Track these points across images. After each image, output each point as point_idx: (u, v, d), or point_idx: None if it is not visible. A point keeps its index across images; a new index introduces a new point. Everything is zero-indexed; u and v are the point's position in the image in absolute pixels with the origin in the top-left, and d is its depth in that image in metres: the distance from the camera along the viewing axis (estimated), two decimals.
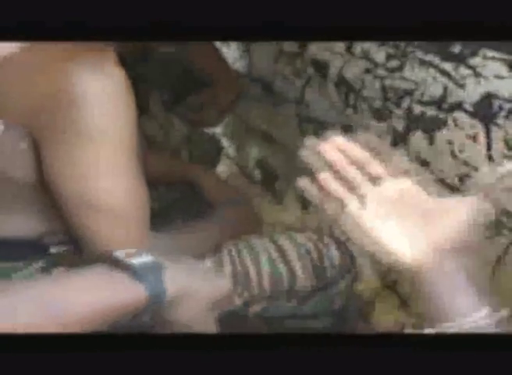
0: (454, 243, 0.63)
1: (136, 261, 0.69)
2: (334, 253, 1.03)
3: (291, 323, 1.03)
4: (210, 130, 1.51)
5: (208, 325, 0.74)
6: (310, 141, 0.68)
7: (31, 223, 0.89)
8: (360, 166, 0.67)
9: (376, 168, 0.67)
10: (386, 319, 1.25)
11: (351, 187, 0.67)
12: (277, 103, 1.59)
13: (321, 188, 0.67)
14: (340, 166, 0.67)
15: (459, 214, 0.64)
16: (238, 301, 0.89)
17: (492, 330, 0.60)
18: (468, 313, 0.60)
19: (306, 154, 0.67)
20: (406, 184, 0.66)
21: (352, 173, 0.67)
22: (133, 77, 0.83)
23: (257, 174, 1.64)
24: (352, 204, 0.66)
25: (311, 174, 0.68)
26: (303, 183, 0.67)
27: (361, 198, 0.66)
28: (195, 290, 0.72)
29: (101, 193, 0.81)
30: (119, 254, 0.70)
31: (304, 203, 1.47)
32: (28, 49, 0.80)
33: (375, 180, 0.67)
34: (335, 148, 0.67)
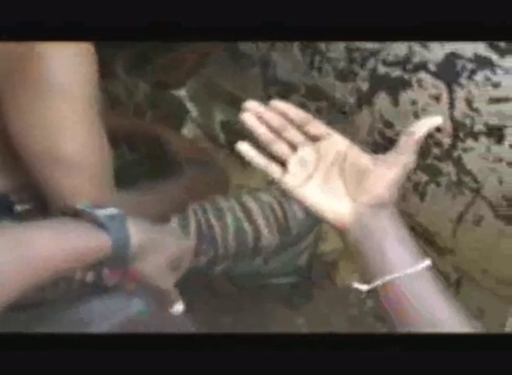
0: (379, 199, 0.64)
1: (100, 212, 0.69)
2: (297, 211, 1.04)
3: (255, 281, 1.04)
4: (175, 93, 1.50)
5: (168, 280, 0.75)
6: (250, 103, 0.68)
7: None
8: (299, 127, 0.68)
9: (315, 128, 0.68)
10: (350, 278, 1.27)
11: (277, 151, 0.68)
12: (242, 65, 1.57)
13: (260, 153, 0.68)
14: (278, 128, 0.68)
15: (387, 171, 0.65)
16: (203, 260, 0.90)
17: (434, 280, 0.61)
18: (409, 264, 0.62)
19: (246, 117, 0.68)
20: (342, 144, 0.68)
21: (290, 134, 0.68)
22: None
23: (222, 137, 1.63)
24: (275, 172, 0.68)
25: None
26: (242, 147, 0.68)
27: (284, 163, 0.68)
28: (159, 243, 0.73)
29: (64, 147, 0.81)
30: (83, 205, 0.70)
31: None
32: None
33: (314, 139, 0.68)
34: (273, 111, 0.68)
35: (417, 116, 1.14)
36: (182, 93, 1.56)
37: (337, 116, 1.29)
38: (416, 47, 1.16)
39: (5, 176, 0.89)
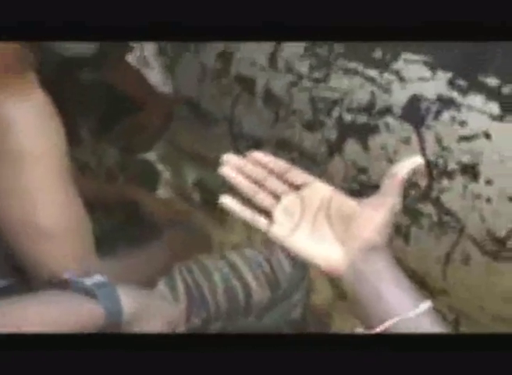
0: (370, 243, 0.64)
1: (87, 281, 0.68)
2: (285, 264, 1.04)
3: None
4: (144, 156, 1.50)
5: None
6: (228, 157, 0.69)
7: None
8: (280, 177, 0.68)
9: (296, 176, 0.68)
10: (347, 327, 1.26)
11: (261, 202, 0.68)
12: (207, 123, 1.58)
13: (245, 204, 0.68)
14: (259, 179, 0.68)
15: (374, 213, 0.65)
16: (196, 322, 0.88)
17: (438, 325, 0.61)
18: (409, 307, 0.61)
19: (225, 170, 0.68)
20: (325, 190, 0.68)
21: (272, 184, 0.68)
22: (59, 102, 0.83)
23: (196, 197, 1.63)
24: (261, 223, 0.67)
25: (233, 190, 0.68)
26: (226, 200, 0.68)
27: (269, 214, 0.68)
28: (152, 308, 0.71)
29: (40, 214, 0.79)
30: (69, 275, 0.68)
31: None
32: None
33: (296, 188, 0.68)
34: (251, 162, 0.68)
35: (389, 159, 1.15)
36: (151, 156, 1.56)
37: (310, 165, 1.30)
38: (378, 92, 1.19)
39: None
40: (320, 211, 0.67)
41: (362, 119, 1.21)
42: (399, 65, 1.14)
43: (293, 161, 1.28)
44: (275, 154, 1.40)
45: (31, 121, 0.79)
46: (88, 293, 0.66)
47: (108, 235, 1.13)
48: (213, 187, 1.59)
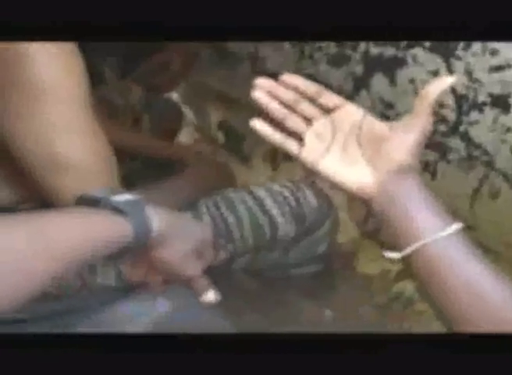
0: (401, 165, 0.62)
1: (117, 198, 0.65)
2: (311, 198, 1.03)
3: (277, 273, 1.02)
4: (168, 96, 1.48)
5: (195, 268, 0.72)
6: (260, 80, 0.67)
7: (2, 192, 0.87)
8: (311, 100, 0.67)
9: (328, 99, 0.66)
10: (371, 267, 1.25)
11: (292, 126, 0.67)
12: (231, 62, 1.56)
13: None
14: (291, 103, 0.66)
15: (406, 136, 0.63)
16: (223, 254, 0.88)
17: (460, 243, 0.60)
18: (440, 228, 0.60)
19: (257, 94, 0.67)
20: (356, 113, 0.66)
21: (303, 107, 0.67)
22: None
23: (220, 137, 1.62)
24: (292, 147, 0.66)
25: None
26: (256, 125, 0.66)
27: (301, 138, 0.66)
28: (181, 229, 0.71)
29: (64, 149, 0.79)
30: (98, 193, 0.66)
31: (274, 162, 1.46)
32: None
33: (328, 111, 0.66)
34: (283, 86, 0.67)
35: (417, 94, 1.12)
36: (175, 96, 1.55)
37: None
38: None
39: (10, 187, 0.88)
40: (351, 134, 0.65)
41: (389, 52, 1.17)
42: None
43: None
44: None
45: (51, 55, 0.78)
46: (117, 210, 0.64)
47: (132, 174, 1.13)
48: (238, 128, 1.57)
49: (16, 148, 0.81)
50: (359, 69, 1.23)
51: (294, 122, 0.67)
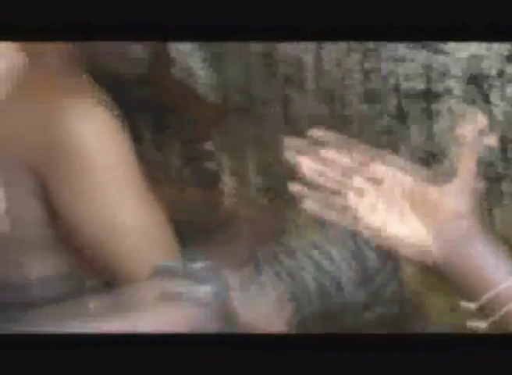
0: (457, 227, 0.63)
1: (194, 266, 0.67)
2: (370, 243, 1.02)
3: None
4: (204, 147, 1.51)
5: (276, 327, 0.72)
6: (288, 140, 0.68)
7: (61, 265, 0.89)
8: (345, 154, 0.67)
9: (376, 169, 0.67)
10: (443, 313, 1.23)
11: (333, 186, 0.68)
12: (260, 107, 1.58)
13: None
14: (325, 160, 0.67)
15: (458, 201, 0.64)
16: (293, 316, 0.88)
17: None
18: (509, 273, 0.61)
19: (287, 154, 0.67)
20: (406, 180, 0.67)
21: (340, 164, 0.67)
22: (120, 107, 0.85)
23: (260, 183, 1.63)
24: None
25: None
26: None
27: (358, 191, 0.67)
28: (255, 292, 0.71)
29: (119, 217, 0.82)
30: (173, 263, 0.68)
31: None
32: (18, 92, 0.80)
33: (365, 163, 0.67)
34: (314, 142, 0.68)
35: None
36: (209, 147, 1.57)
37: (372, 138, 1.29)
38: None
39: (68, 254, 0.89)
40: (404, 201, 0.66)
41: (422, 85, 1.19)
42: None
43: (354, 136, 1.27)
44: (336, 131, 1.39)
45: (95, 124, 0.82)
46: (197, 277, 0.66)
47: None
48: (277, 171, 1.59)
49: (73, 223, 0.83)
50: (392, 106, 1.25)
51: (335, 181, 0.68)
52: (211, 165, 1.44)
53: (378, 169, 0.67)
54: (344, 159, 0.67)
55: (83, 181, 0.82)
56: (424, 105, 1.18)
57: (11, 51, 0.54)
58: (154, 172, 1.30)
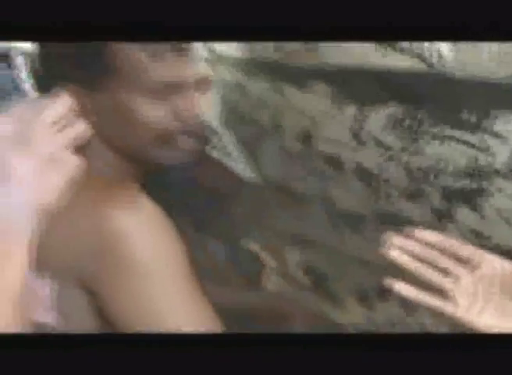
0: None
1: None
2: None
3: None
4: (246, 245, 1.51)
5: None
6: (393, 238, 0.68)
7: None
8: (451, 254, 0.67)
9: (468, 252, 0.67)
10: None
11: (436, 283, 0.68)
12: (300, 204, 1.59)
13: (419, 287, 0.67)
14: (431, 259, 0.67)
15: None
16: None
17: None
18: None
19: (390, 253, 0.68)
20: (499, 264, 0.66)
21: (445, 263, 0.67)
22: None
23: (304, 279, 1.62)
24: (447, 308, 0.66)
25: (400, 274, 0.67)
26: (401, 288, 0.66)
27: (443, 293, 0.67)
28: None
29: (171, 323, 0.80)
30: None
31: (368, 302, 1.45)
32: (73, 201, 0.82)
33: (466, 262, 0.67)
34: (420, 242, 0.68)
35: (508, 220, 1.13)
36: (251, 243, 1.58)
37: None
38: (477, 154, 1.17)
39: None
40: (498, 286, 0.66)
41: (466, 183, 1.20)
42: (491, 123, 1.14)
43: (400, 233, 1.27)
44: (378, 228, 1.39)
45: (144, 231, 0.82)
46: None
47: None
48: (319, 268, 1.58)
49: (120, 319, 0.82)
50: (437, 202, 1.25)
51: (438, 279, 0.68)
52: (254, 264, 1.44)
53: (469, 251, 0.68)
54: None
55: (138, 286, 0.81)
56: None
57: (72, 159, 0.55)
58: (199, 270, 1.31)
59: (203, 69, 0.92)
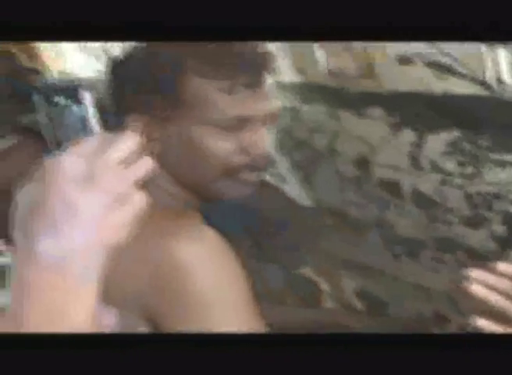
0: None
1: None
2: None
3: None
4: (300, 271, 1.51)
5: None
6: (475, 272, 0.67)
7: None
8: None
9: None
10: None
11: None
12: (357, 230, 1.58)
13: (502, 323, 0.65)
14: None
15: None
16: None
17: None
18: None
19: (474, 289, 0.66)
20: None
21: None
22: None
23: (360, 306, 1.60)
24: None
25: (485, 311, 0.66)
26: (481, 322, 0.65)
27: None
28: None
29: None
30: None
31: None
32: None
33: None
34: (499, 274, 0.66)
35: None
36: (308, 270, 1.57)
37: (479, 264, 1.26)
38: None
39: None
40: None
41: None
42: None
43: (459, 261, 1.24)
44: (440, 255, 1.37)
45: (207, 262, 0.83)
46: None
47: None
48: (377, 295, 1.56)
49: None
50: (500, 229, 1.22)
51: None
52: (310, 290, 1.43)
53: None
54: None
55: (194, 316, 0.81)
56: None
57: (139, 196, 0.56)
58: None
59: (276, 105, 0.93)
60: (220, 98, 0.87)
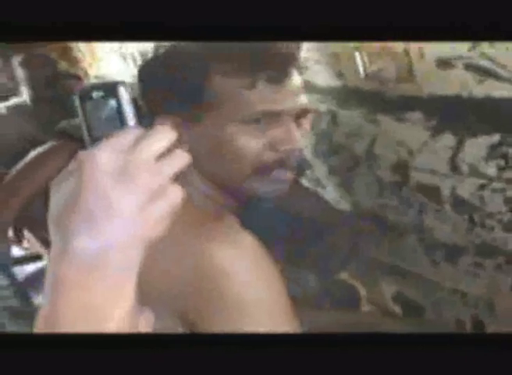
0: None
1: None
2: None
3: None
4: (339, 276, 1.51)
5: None
6: None
7: None
8: None
9: None
10: None
11: None
12: (396, 235, 1.57)
13: None
14: None
15: None
16: None
17: None
18: None
19: None
20: None
21: None
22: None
23: (397, 310, 1.59)
24: None
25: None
26: None
27: None
28: None
29: None
30: None
31: None
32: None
33: None
34: None
35: None
36: (345, 275, 1.57)
37: None
38: None
39: None
40: None
41: None
42: None
43: (500, 266, 1.23)
44: (481, 261, 1.34)
45: (244, 266, 0.83)
46: None
47: None
48: (415, 300, 1.55)
49: None
50: None
51: None
52: (348, 294, 1.43)
53: None
54: None
55: (233, 320, 0.81)
56: None
57: (176, 191, 0.56)
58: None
59: (304, 101, 0.93)
60: (244, 95, 0.87)
